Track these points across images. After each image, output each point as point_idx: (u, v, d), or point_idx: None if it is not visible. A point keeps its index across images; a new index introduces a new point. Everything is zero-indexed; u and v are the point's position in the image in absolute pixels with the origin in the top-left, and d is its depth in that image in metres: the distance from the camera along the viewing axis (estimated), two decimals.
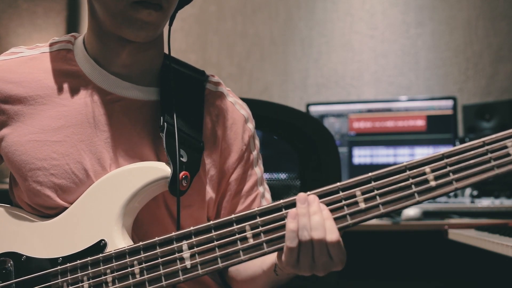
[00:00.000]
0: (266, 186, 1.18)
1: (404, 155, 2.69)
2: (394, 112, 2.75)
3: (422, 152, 2.69)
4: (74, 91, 1.04)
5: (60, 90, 1.04)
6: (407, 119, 2.72)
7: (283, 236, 0.86)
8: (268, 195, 1.17)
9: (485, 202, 2.36)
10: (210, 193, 1.08)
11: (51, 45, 1.10)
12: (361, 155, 2.76)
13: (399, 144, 2.71)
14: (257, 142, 1.17)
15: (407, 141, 2.70)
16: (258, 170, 1.15)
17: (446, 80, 3.20)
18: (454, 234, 2.03)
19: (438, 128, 2.68)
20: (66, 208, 1.01)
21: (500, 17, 3.16)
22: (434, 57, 3.23)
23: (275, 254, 0.93)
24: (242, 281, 1.09)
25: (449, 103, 2.69)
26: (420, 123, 2.71)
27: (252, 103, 1.21)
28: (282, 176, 1.54)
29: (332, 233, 0.83)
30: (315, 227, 0.83)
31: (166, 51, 1.11)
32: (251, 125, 1.15)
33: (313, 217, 0.84)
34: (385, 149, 2.72)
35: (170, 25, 1.06)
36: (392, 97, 3.21)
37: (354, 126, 2.78)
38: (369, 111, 2.78)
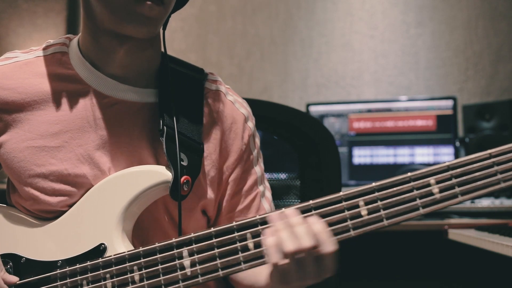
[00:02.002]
0: (267, 184, 1.17)
1: (404, 155, 2.69)
2: (394, 112, 2.74)
3: (422, 152, 2.68)
4: (70, 96, 1.03)
5: (56, 94, 1.03)
6: (407, 119, 2.72)
7: None
8: (268, 193, 1.16)
9: (485, 202, 2.36)
10: (210, 194, 1.07)
11: (45, 48, 1.08)
12: (361, 155, 2.75)
13: (399, 144, 2.71)
14: (257, 140, 1.16)
15: (407, 141, 2.70)
16: (258, 169, 1.14)
17: (446, 80, 3.20)
18: (454, 234, 2.03)
19: (438, 128, 2.68)
20: (65, 211, 1.01)
21: (500, 17, 3.16)
22: (434, 57, 3.22)
23: None
24: (246, 285, 1.07)
25: (449, 103, 2.69)
26: (421, 123, 2.70)
27: (252, 103, 1.20)
28: (282, 176, 1.53)
29: (329, 245, 0.80)
30: (301, 237, 0.79)
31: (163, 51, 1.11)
32: (251, 124, 1.14)
33: (296, 228, 0.80)
34: (385, 149, 2.72)
35: (164, 29, 1.06)
36: (392, 97, 3.21)
37: (354, 126, 2.78)
38: (369, 111, 2.78)
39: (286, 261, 0.80)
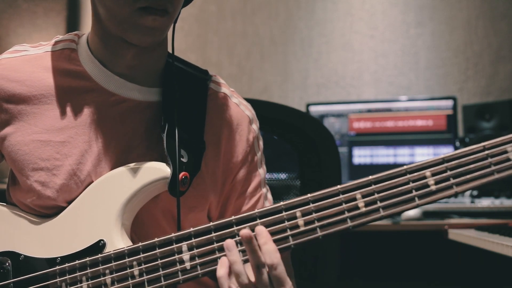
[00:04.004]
0: (267, 186, 1.18)
1: (404, 155, 2.69)
2: (394, 112, 2.74)
3: (422, 152, 2.68)
4: (78, 92, 1.03)
5: (63, 90, 1.03)
6: (407, 119, 2.72)
7: (282, 239, 0.86)
8: (269, 195, 1.18)
9: (485, 202, 2.36)
10: (212, 194, 1.07)
11: (54, 44, 1.09)
12: (361, 155, 2.75)
13: (399, 144, 2.71)
14: (261, 143, 1.17)
15: (407, 141, 2.70)
16: (261, 171, 1.15)
17: (446, 80, 3.20)
18: (454, 234, 2.03)
19: (438, 128, 2.68)
20: (65, 208, 1.01)
21: (500, 17, 3.16)
22: (434, 57, 3.23)
23: None
24: None
25: (449, 103, 2.69)
26: (421, 123, 2.70)
27: (252, 103, 1.20)
28: (282, 176, 1.53)
29: (268, 257, 0.84)
30: (244, 273, 0.84)
31: (169, 49, 1.11)
32: (255, 126, 1.14)
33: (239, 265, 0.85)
34: (385, 149, 2.72)
35: (175, 22, 1.06)
36: (392, 97, 3.21)
37: (354, 126, 2.78)
38: (369, 111, 2.78)
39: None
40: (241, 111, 1.12)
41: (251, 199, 1.12)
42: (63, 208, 1.01)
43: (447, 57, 3.21)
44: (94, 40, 1.05)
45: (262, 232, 0.85)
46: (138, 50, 1.02)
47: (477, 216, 2.30)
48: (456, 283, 2.63)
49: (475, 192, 2.50)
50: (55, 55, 1.07)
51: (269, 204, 1.15)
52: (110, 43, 1.02)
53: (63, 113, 1.02)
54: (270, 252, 0.83)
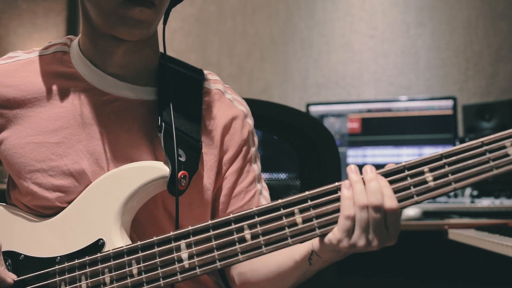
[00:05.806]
0: (265, 185, 1.18)
1: (404, 155, 2.69)
2: (394, 112, 2.74)
3: (422, 152, 2.69)
4: (70, 93, 1.04)
5: (57, 92, 1.04)
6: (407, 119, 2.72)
7: (281, 237, 0.86)
8: (266, 193, 1.17)
9: (485, 202, 2.36)
10: (209, 190, 1.08)
11: (47, 48, 1.10)
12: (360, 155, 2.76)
13: (399, 144, 2.71)
14: (256, 139, 1.17)
15: (408, 141, 2.70)
16: (256, 167, 1.15)
17: (446, 80, 3.20)
18: (454, 234, 2.02)
19: (438, 128, 2.68)
20: (64, 208, 1.01)
21: (500, 17, 3.16)
22: (434, 57, 3.23)
23: (311, 241, 0.90)
24: (260, 280, 1.05)
25: (449, 103, 2.69)
26: (421, 123, 2.70)
27: (252, 103, 1.20)
28: (282, 176, 1.53)
29: (391, 200, 0.82)
30: (373, 192, 0.82)
31: (162, 49, 1.11)
32: (250, 121, 1.15)
33: (370, 183, 0.83)
34: (385, 149, 2.72)
35: (165, 23, 1.06)
36: (392, 97, 3.21)
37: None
38: (369, 111, 2.78)
39: (357, 213, 0.83)
40: (234, 106, 1.13)
41: (246, 194, 1.12)
42: (62, 208, 1.01)
43: (447, 57, 3.21)
44: (84, 41, 1.06)
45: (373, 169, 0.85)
46: (127, 47, 1.03)
47: (477, 216, 2.30)
48: (456, 283, 2.63)
49: (475, 192, 2.50)
50: (47, 58, 1.08)
51: (265, 201, 1.14)
52: (100, 41, 1.03)
53: (57, 114, 1.03)
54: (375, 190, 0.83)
